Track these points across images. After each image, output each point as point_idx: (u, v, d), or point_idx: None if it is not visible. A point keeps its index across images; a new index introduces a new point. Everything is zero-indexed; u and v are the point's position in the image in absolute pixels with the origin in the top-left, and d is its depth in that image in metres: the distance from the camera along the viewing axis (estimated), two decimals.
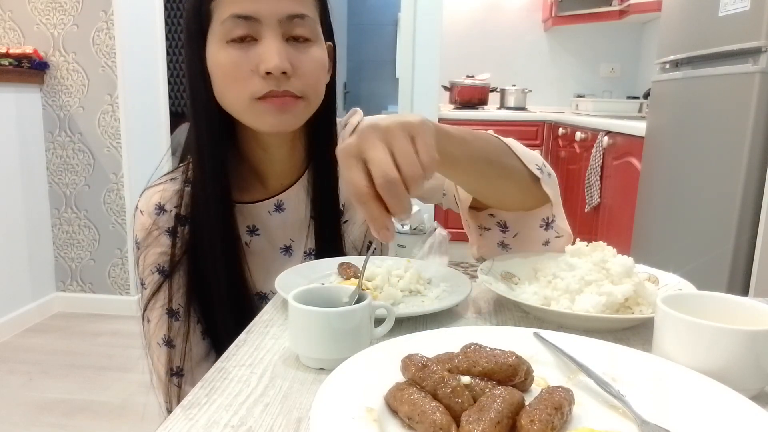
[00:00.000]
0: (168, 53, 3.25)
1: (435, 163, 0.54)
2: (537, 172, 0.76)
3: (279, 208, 0.90)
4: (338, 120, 0.95)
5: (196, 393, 0.50)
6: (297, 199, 0.91)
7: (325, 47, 0.83)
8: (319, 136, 0.88)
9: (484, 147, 0.71)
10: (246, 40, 0.77)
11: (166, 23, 3.28)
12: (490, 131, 0.79)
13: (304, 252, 0.92)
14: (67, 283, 3.01)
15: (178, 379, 0.87)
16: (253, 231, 0.90)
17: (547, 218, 0.81)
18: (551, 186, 0.78)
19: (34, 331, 2.77)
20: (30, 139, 2.79)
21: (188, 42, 0.81)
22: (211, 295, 0.84)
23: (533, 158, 0.78)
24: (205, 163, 0.82)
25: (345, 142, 0.55)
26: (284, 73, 0.76)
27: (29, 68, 2.71)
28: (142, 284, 0.88)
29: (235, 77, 0.77)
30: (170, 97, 3.85)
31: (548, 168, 0.80)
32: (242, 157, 0.90)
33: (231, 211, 0.85)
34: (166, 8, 3.28)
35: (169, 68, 3.46)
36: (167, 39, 3.22)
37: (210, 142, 0.82)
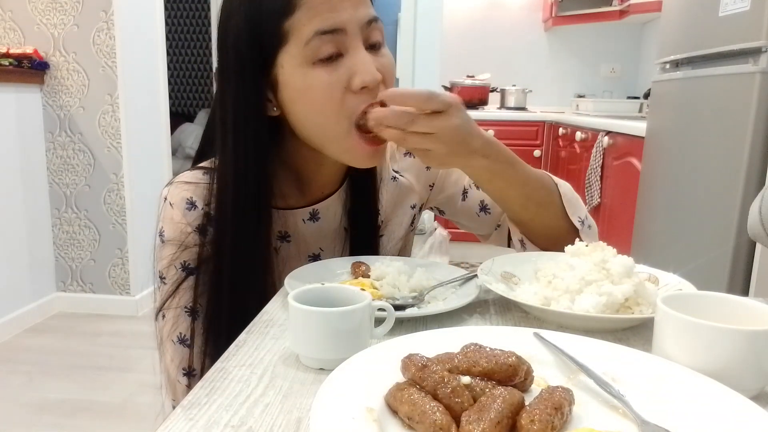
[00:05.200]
0: (168, 53, 3.26)
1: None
2: (578, 225, 0.86)
3: (314, 217, 0.88)
4: None
5: (196, 393, 0.50)
6: (333, 209, 0.89)
7: None
8: None
9: (536, 187, 0.82)
10: (333, 58, 0.73)
11: (167, 23, 3.28)
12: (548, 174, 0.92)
13: None
14: (68, 283, 3.01)
15: (189, 380, 0.85)
16: (284, 237, 0.87)
17: None
18: (590, 237, 0.87)
19: (34, 331, 2.77)
20: (30, 139, 2.79)
21: (238, 67, 0.75)
22: (231, 300, 0.81)
23: (579, 210, 0.87)
24: (248, 174, 0.78)
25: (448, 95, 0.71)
26: (378, 82, 0.74)
27: (29, 68, 2.71)
28: (162, 278, 0.84)
29: (329, 100, 0.73)
30: (170, 97, 3.85)
31: (590, 220, 0.89)
32: (285, 164, 0.87)
33: (269, 222, 0.82)
34: (166, 8, 3.28)
35: (169, 68, 3.47)
36: (167, 39, 3.22)
37: (255, 157, 0.78)
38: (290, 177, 0.88)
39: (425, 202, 1.00)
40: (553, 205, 0.85)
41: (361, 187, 0.90)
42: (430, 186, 0.98)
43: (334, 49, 0.73)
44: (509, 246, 0.96)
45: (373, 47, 0.76)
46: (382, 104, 0.73)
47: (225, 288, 0.81)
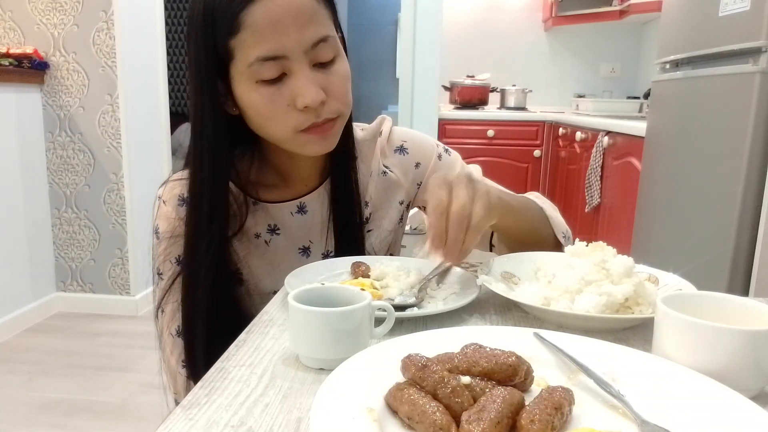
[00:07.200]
0: (168, 53, 3.25)
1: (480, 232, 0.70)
2: (562, 240, 0.91)
3: (301, 209, 0.91)
4: (364, 125, 0.96)
5: (196, 393, 0.50)
6: (320, 201, 0.91)
7: (344, 55, 0.82)
8: (340, 140, 0.87)
9: (529, 218, 0.87)
10: (277, 79, 0.75)
11: (166, 23, 3.28)
12: (535, 193, 0.98)
13: (323, 253, 0.93)
14: (67, 283, 3.01)
15: (189, 371, 0.87)
16: (273, 230, 0.90)
17: None
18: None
19: (34, 331, 2.77)
20: (30, 139, 2.79)
21: (198, 73, 0.78)
22: (192, 290, 0.83)
23: (561, 225, 0.92)
24: (204, 167, 0.81)
25: (443, 173, 0.74)
26: (321, 102, 0.76)
27: (29, 68, 2.71)
28: (159, 274, 0.88)
29: (273, 114, 0.77)
30: (170, 97, 3.85)
31: (569, 232, 0.94)
32: (266, 159, 0.90)
33: (223, 214, 0.83)
34: (166, 8, 3.28)
35: (169, 68, 3.46)
36: (167, 39, 3.22)
37: (211, 155, 0.81)
38: (273, 171, 0.91)
39: (413, 200, 1.01)
40: (547, 228, 0.91)
41: (344, 182, 0.91)
42: (417, 184, 0.99)
43: (277, 72, 0.75)
44: (491, 250, 0.99)
45: (322, 65, 0.78)
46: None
47: (186, 278, 0.84)
